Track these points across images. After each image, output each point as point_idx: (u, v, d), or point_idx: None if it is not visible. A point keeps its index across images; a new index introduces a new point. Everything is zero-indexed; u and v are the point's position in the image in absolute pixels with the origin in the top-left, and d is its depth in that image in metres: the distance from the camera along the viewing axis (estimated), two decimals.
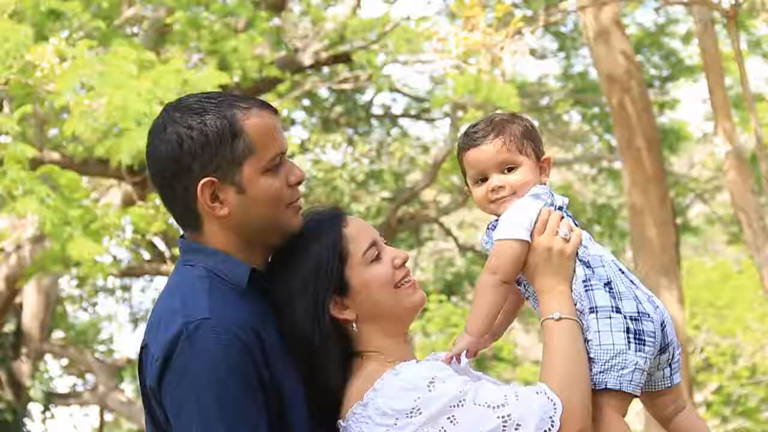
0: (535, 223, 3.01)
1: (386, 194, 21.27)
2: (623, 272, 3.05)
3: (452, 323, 16.11)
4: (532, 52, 18.61)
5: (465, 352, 2.99)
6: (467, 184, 3.20)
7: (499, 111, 2.99)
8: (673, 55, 19.63)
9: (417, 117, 21.57)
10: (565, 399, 2.80)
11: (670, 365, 3.07)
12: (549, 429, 2.76)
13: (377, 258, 2.94)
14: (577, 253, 3.02)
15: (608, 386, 2.90)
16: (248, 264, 2.86)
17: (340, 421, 2.85)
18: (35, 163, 11.33)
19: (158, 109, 8.94)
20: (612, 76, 12.70)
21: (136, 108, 9.19)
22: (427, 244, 23.65)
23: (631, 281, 3.05)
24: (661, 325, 3.00)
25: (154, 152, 2.84)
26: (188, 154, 2.78)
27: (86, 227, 10.62)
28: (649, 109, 13.03)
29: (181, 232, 2.96)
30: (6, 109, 12.31)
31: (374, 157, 21.28)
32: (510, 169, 3.08)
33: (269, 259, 2.94)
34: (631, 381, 2.91)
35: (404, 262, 2.99)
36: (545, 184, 3.13)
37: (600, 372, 2.91)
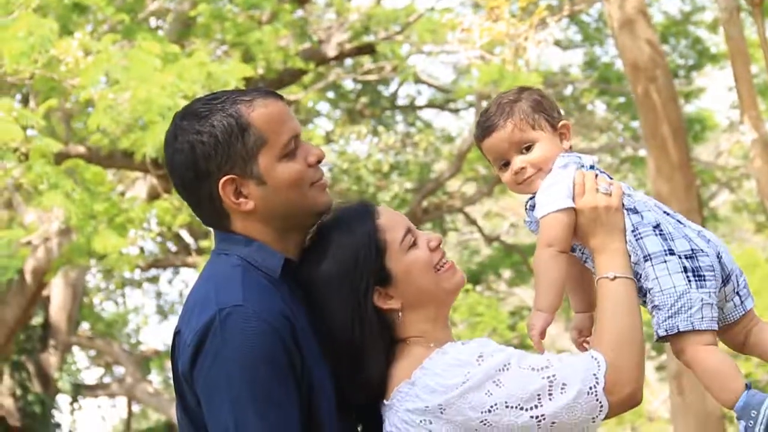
0: (573, 188, 3.00)
1: (411, 185, 21.26)
2: (668, 214, 3.05)
3: (478, 312, 16.08)
4: (557, 42, 18.58)
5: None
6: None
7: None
8: (699, 44, 19.51)
9: (441, 108, 21.55)
10: (613, 359, 2.79)
11: (738, 293, 3.04)
12: (594, 386, 2.75)
13: (414, 244, 2.94)
14: (623, 204, 3.00)
15: (680, 329, 2.89)
16: (282, 253, 2.87)
17: (384, 401, 2.85)
18: (61, 157, 11.39)
19: (182, 103, 9.04)
20: (637, 65, 12.63)
21: (161, 101, 9.22)
22: (452, 235, 23.63)
23: (678, 221, 3.04)
24: (717, 256, 2.98)
25: (172, 163, 2.89)
26: (203, 158, 2.82)
27: (111, 221, 10.67)
28: (675, 98, 12.95)
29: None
30: (31, 103, 12.37)
31: (399, 148, 21.26)
32: (528, 148, 3.07)
33: (302, 254, 2.95)
34: (702, 318, 2.89)
35: (439, 244, 2.99)
36: (568, 149, 3.12)
37: (668, 317, 2.90)
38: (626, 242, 2.97)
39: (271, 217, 2.87)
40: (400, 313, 2.91)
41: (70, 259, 12.42)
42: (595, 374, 2.77)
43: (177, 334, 2.82)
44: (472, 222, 22.04)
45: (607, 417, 2.80)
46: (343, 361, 2.86)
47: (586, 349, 3.04)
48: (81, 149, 13.12)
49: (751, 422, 2.86)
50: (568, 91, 20.29)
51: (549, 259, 2.97)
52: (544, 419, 2.73)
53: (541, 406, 2.73)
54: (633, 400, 2.82)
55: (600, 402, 2.76)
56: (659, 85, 12.54)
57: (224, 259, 2.88)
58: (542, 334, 2.95)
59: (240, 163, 2.82)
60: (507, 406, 2.72)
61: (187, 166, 2.84)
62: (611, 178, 3.08)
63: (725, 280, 2.99)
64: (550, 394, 2.73)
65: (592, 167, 3.06)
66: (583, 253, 3.09)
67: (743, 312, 3.05)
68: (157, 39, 11.14)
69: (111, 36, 10.27)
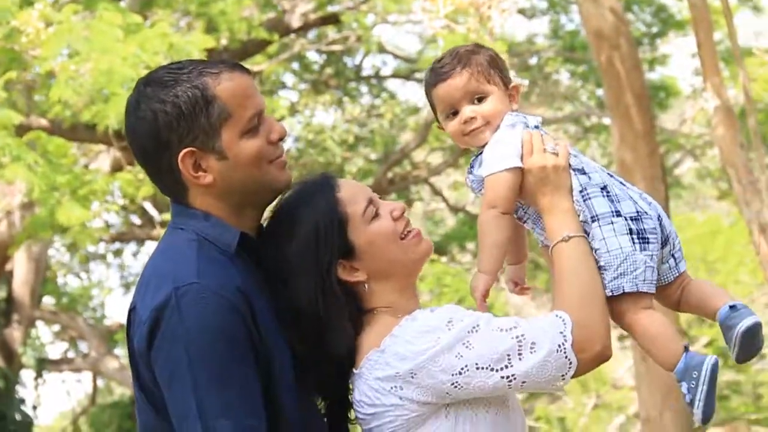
0: (522, 148, 3.00)
1: (376, 156, 21.22)
2: (612, 176, 3.06)
3: (444, 283, 16.08)
4: (521, 11, 18.56)
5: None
6: (438, 121, 3.19)
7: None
8: (663, 11, 19.53)
9: (407, 78, 21.50)
10: (580, 318, 2.80)
11: (673, 256, 3.06)
12: (563, 343, 2.77)
13: (377, 215, 2.93)
14: (570, 164, 3.01)
15: (625, 290, 2.90)
16: (238, 228, 2.84)
17: (354, 369, 2.84)
18: (22, 130, 11.27)
19: (144, 72, 8.96)
20: (600, 33, 12.63)
21: (123, 72, 9.14)
22: (418, 205, 23.64)
23: (621, 182, 3.05)
24: (658, 219, 3.01)
25: (133, 130, 2.85)
26: (165, 128, 2.78)
27: (74, 193, 10.59)
28: (638, 66, 12.98)
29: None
30: None
31: (365, 119, 21.22)
32: (480, 99, 3.07)
33: (262, 230, 2.94)
34: (644, 280, 2.92)
35: (403, 213, 2.98)
36: (515, 111, 3.11)
37: (614, 278, 2.91)
38: (574, 201, 2.97)
39: (229, 193, 2.85)
40: (366, 285, 2.90)
41: (34, 232, 12.32)
42: (562, 332, 2.77)
43: (132, 310, 2.80)
44: (437, 193, 22.04)
45: (577, 374, 2.81)
46: (309, 336, 2.84)
47: (526, 294, 3.14)
48: (43, 122, 13.00)
49: (693, 383, 2.87)
50: (533, 60, 20.28)
51: (492, 220, 2.97)
52: (515, 379, 2.74)
53: (512, 366, 2.74)
54: (603, 356, 2.84)
55: (569, 359, 2.77)
56: (623, 53, 12.55)
57: (180, 234, 2.85)
58: (485, 295, 2.96)
59: (202, 137, 2.79)
60: (477, 368, 2.73)
61: (148, 135, 2.80)
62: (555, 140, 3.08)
63: (664, 242, 3.02)
64: (519, 354, 2.74)
65: (537, 127, 3.07)
66: (525, 213, 3.10)
67: (677, 273, 3.08)
68: (119, 10, 11.02)
69: (72, 6, 10.15)
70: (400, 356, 2.76)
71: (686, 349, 2.92)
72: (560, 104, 21.54)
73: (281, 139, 2.91)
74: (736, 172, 9.99)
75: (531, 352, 2.74)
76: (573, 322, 2.79)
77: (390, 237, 2.91)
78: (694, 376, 2.88)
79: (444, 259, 19.30)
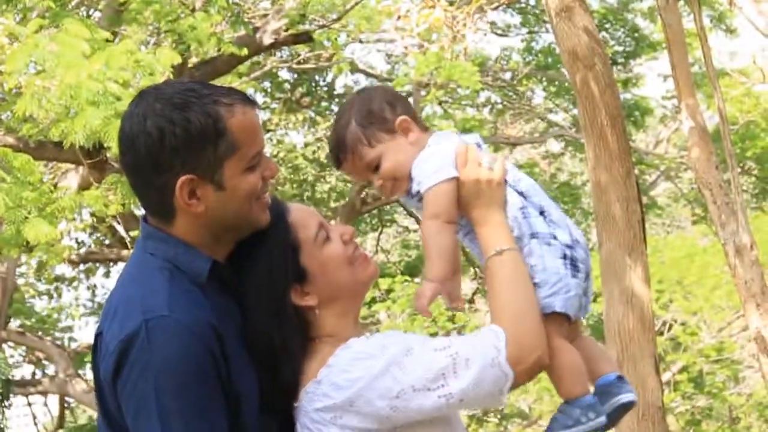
0: (456, 159, 2.98)
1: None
2: (551, 200, 3.06)
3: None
4: (494, 26, 18.53)
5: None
6: None
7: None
8: (637, 32, 19.61)
9: None
10: (515, 332, 2.80)
11: (586, 293, 3.04)
12: (496, 357, 2.76)
13: (328, 238, 2.94)
14: (507, 182, 2.99)
15: (556, 309, 2.91)
16: (210, 257, 2.82)
17: (295, 403, 2.81)
18: None
19: (112, 87, 8.84)
20: (575, 52, 12.52)
21: (89, 87, 8.98)
22: (393, 226, 23.65)
23: (557, 209, 3.05)
24: (586, 252, 3.03)
25: (132, 142, 2.75)
26: (169, 150, 2.71)
27: (42, 210, 10.45)
28: (613, 86, 12.86)
29: (143, 214, 2.89)
30: None
31: None
32: (377, 167, 3.04)
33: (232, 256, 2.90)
34: (572, 305, 2.95)
35: (352, 237, 3.00)
36: (420, 140, 3.06)
37: (548, 296, 2.92)
38: (507, 217, 2.97)
39: (214, 224, 2.81)
40: (317, 310, 2.91)
41: (0, 249, 12.13)
42: (496, 345, 2.77)
43: (99, 335, 2.76)
44: (410, 213, 22.05)
45: (515, 386, 2.81)
46: (264, 366, 2.82)
47: (461, 309, 3.16)
48: (10, 140, 12.82)
49: (584, 418, 2.89)
50: (507, 76, 20.27)
51: (437, 230, 2.96)
52: (452, 397, 2.73)
53: (447, 384, 2.73)
54: (539, 366, 2.84)
55: (504, 372, 2.77)
56: (597, 73, 12.44)
57: (150, 260, 2.80)
58: (430, 302, 2.93)
59: (205, 166, 2.74)
60: (414, 390, 2.72)
61: (149, 152, 2.72)
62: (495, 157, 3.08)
63: (587, 276, 3.03)
64: (455, 372, 2.73)
65: (478, 145, 3.05)
66: (459, 225, 3.07)
67: (584, 314, 3.07)
68: (86, 25, 10.87)
69: (38, 21, 10.01)
70: (337, 386, 2.75)
71: (593, 395, 2.95)
72: (535, 122, 21.56)
73: (273, 177, 2.90)
74: (711, 193, 9.94)
75: (466, 368, 2.74)
76: (506, 334, 2.79)
77: (341, 261, 2.94)
78: (590, 416, 2.90)
79: (417, 279, 19.24)
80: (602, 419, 2.91)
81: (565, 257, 2.95)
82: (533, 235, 2.96)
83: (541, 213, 3.00)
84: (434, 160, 3.00)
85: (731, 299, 17.21)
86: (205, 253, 2.81)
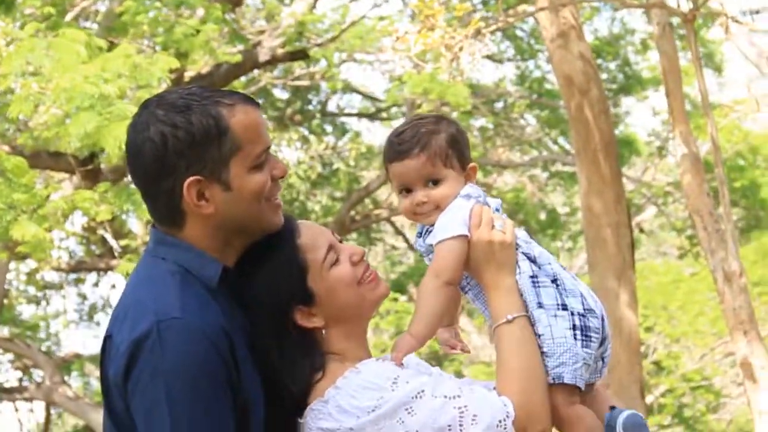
0: (470, 219, 2.99)
1: (339, 194, 21.20)
2: (564, 269, 3.06)
3: (404, 322, 16.14)
4: (489, 55, 18.63)
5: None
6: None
7: (426, 113, 2.95)
8: (628, 66, 19.71)
9: (372, 116, 21.52)
10: (523, 401, 2.81)
11: (602, 358, 3.05)
12: (504, 419, 2.76)
13: (337, 261, 2.92)
14: (518, 247, 3.00)
15: (565, 380, 2.90)
16: (220, 262, 2.82)
17: (299, 418, 2.83)
18: None
19: (108, 90, 8.84)
20: (570, 78, 12.68)
21: (84, 90, 8.97)
22: (380, 244, 23.67)
23: (572, 277, 3.04)
24: (602, 319, 3.01)
25: (137, 150, 2.78)
26: (174, 153, 2.74)
27: (33, 213, 10.42)
28: (607, 112, 13.04)
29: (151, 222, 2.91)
30: None
31: (329, 156, 21.21)
32: (435, 182, 3.04)
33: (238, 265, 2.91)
34: (581, 376, 2.92)
35: (362, 258, 2.98)
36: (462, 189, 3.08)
37: (556, 366, 2.91)
38: (517, 282, 2.97)
39: (224, 226, 2.82)
40: (324, 331, 2.91)
41: None
42: (505, 408, 2.78)
43: (108, 338, 2.76)
44: (399, 232, 22.08)
45: None
46: (267, 380, 2.84)
47: (467, 351, 3.14)
48: (5, 148, 12.84)
49: None
50: (500, 104, 20.36)
51: (434, 290, 2.94)
52: None
53: None
54: None
55: None
56: (592, 98, 12.59)
57: (161, 264, 2.81)
58: (404, 356, 2.92)
59: (210, 166, 2.76)
60: None
61: (155, 157, 2.75)
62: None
63: (601, 342, 3.02)
64: (461, 425, 2.73)
65: (497, 210, 3.07)
66: (468, 284, 3.08)
67: (599, 376, 3.08)
68: (83, 31, 10.91)
69: (34, 24, 10.03)
70: (342, 409, 2.75)
71: None
72: (526, 149, 21.63)
73: (282, 177, 2.90)
74: (702, 220, 10.03)
75: (471, 425, 2.74)
76: (514, 403, 2.79)
77: (349, 283, 2.92)
78: None
79: (403, 297, 19.29)
80: None
81: (574, 327, 2.93)
82: (540, 305, 2.94)
83: (554, 281, 2.99)
84: (452, 216, 3.01)
85: (715, 326, 17.33)
86: (215, 258, 2.82)
